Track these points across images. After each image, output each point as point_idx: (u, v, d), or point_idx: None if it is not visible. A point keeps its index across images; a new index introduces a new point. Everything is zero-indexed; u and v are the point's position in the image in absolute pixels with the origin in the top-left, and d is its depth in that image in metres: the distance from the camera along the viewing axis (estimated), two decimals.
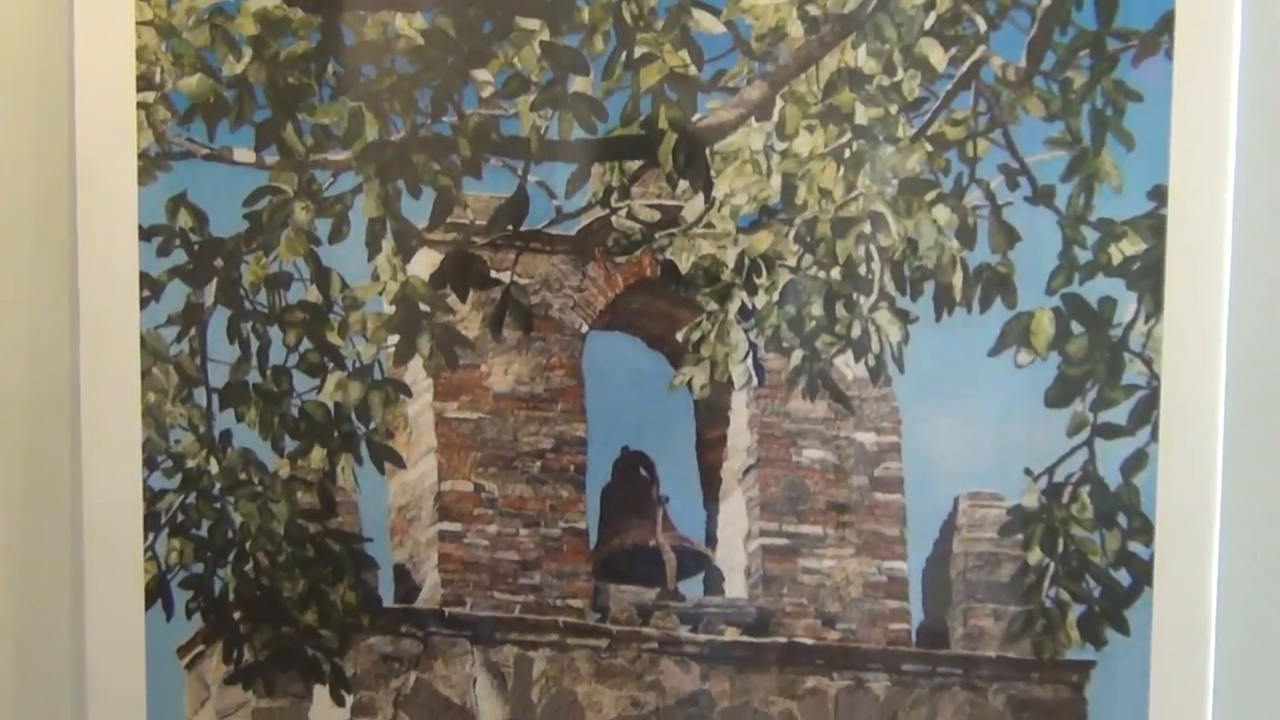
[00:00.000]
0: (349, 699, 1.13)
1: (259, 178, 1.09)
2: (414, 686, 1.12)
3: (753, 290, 1.08)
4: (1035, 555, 1.10)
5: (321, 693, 1.13)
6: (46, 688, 1.15)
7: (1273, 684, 1.08)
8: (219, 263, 1.10)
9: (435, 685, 1.12)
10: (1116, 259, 1.05)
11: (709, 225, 1.08)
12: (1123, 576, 1.08)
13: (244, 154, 1.09)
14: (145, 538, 1.12)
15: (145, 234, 1.10)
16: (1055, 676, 1.10)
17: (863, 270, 1.07)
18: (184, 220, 1.09)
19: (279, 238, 1.09)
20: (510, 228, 1.09)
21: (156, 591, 1.12)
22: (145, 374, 1.10)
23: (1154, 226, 1.03)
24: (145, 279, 1.10)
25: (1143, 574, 1.07)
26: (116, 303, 1.10)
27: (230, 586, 1.12)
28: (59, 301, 1.11)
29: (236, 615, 1.12)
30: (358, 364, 1.10)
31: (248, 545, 1.11)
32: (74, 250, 1.10)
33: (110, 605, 1.12)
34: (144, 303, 1.10)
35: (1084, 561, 1.09)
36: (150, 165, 1.10)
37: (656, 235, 1.09)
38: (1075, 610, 1.10)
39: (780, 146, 1.06)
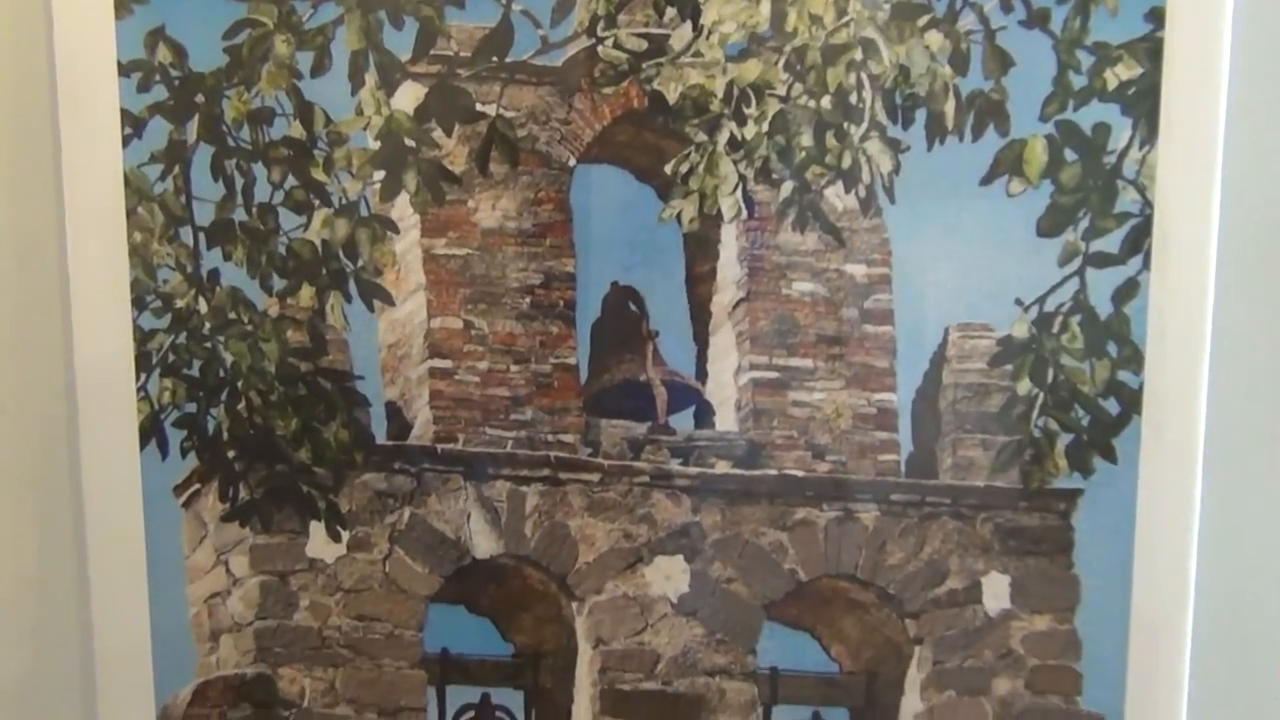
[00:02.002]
0: (345, 534, 1.14)
1: (238, 9, 1.06)
2: (409, 522, 1.14)
3: (742, 121, 1.07)
4: (1024, 385, 1.10)
5: (318, 529, 1.14)
6: (46, 530, 1.16)
7: (1260, 508, 1.09)
8: (200, 98, 1.08)
9: (430, 520, 1.14)
10: (1112, 84, 1.03)
11: (697, 54, 1.06)
12: (1111, 405, 1.09)
13: None
14: (137, 378, 1.12)
15: (124, 70, 1.07)
16: (1043, 505, 1.11)
17: (853, 99, 1.05)
18: (163, 55, 1.07)
19: (260, 72, 1.07)
20: (495, 59, 1.07)
21: (151, 431, 1.13)
22: (130, 213, 1.09)
23: (1150, 50, 1.01)
24: (126, 116, 1.08)
25: (1131, 402, 1.08)
26: (98, 141, 1.08)
27: (224, 425, 1.13)
28: (41, 142, 1.10)
29: (231, 454, 1.13)
30: (344, 201, 1.09)
31: (239, 384, 1.11)
32: (53, 88, 1.08)
33: (105, 446, 1.13)
34: (126, 140, 1.08)
35: (1073, 391, 1.10)
36: None
37: (644, 65, 1.07)
38: (1063, 439, 1.11)
39: None
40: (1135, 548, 1.09)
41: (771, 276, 1.11)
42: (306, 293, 1.11)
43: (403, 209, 1.10)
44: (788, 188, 1.08)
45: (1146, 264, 1.05)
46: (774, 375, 1.12)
